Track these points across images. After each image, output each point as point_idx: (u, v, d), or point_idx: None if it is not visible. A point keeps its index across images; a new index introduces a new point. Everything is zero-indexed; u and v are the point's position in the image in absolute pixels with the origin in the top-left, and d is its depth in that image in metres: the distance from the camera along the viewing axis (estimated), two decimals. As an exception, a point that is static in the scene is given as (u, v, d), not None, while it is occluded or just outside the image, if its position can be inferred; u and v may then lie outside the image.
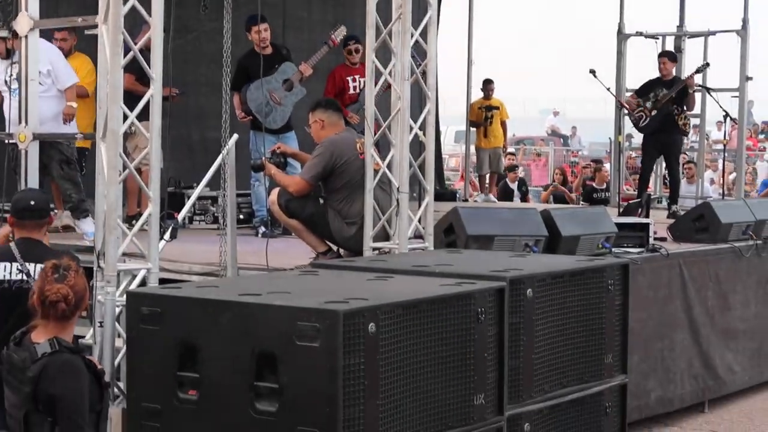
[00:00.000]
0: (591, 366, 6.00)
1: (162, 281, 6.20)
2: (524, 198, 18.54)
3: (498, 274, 5.50)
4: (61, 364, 4.58)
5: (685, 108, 12.82)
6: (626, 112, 13.98)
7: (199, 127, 12.68)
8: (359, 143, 7.75)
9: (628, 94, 14.70)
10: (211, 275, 7.42)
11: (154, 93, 6.08)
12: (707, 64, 13.67)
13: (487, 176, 16.46)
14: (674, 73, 13.20)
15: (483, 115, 16.15)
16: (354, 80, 10.98)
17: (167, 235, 7.00)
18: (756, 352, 9.81)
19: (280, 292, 4.79)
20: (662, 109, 12.77)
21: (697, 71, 13.52)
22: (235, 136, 7.39)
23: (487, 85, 16.42)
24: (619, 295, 6.23)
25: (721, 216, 9.59)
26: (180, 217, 8.17)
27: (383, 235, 7.52)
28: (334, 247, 7.98)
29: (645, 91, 13.12)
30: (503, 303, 5.25)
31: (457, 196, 16.08)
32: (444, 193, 14.82)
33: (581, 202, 16.92)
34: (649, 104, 12.99)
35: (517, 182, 18.53)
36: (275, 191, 8.02)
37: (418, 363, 4.75)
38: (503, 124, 16.46)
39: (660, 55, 13.31)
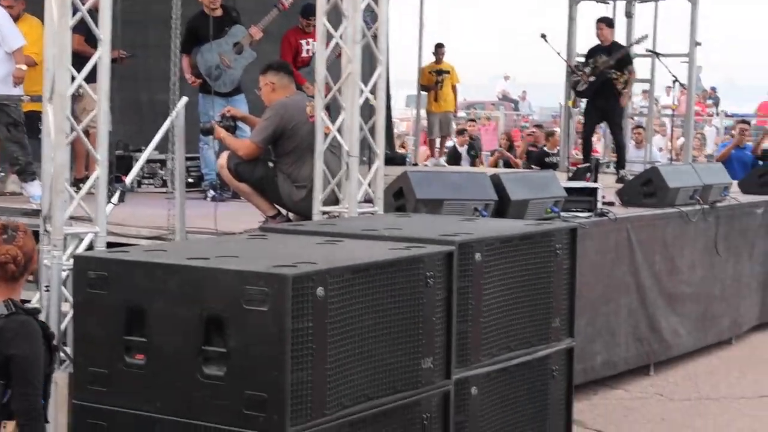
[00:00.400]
0: (538, 329, 6.04)
1: (110, 245, 6.16)
2: (474, 162, 18.58)
3: (447, 238, 5.50)
4: (18, 325, 4.54)
5: (626, 73, 12.88)
6: (575, 76, 14.03)
7: (148, 90, 12.58)
8: (310, 106, 7.72)
9: (579, 59, 14.77)
10: (159, 239, 7.37)
11: (102, 55, 6.02)
12: (645, 36, 13.70)
13: (438, 140, 16.47)
14: (612, 39, 13.23)
15: (434, 79, 16.15)
16: (308, 43, 10.92)
17: (115, 199, 6.96)
18: (701, 316, 9.92)
19: (228, 256, 4.77)
20: (600, 75, 12.84)
21: (637, 42, 13.58)
22: (185, 98, 7.33)
23: (438, 48, 16.41)
24: (566, 259, 6.26)
25: (669, 181, 9.67)
26: (128, 180, 8.14)
27: (333, 199, 7.51)
28: (284, 211, 7.97)
29: (588, 57, 13.21)
30: (452, 267, 5.26)
31: (407, 160, 16.10)
32: (394, 157, 14.83)
33: (532, 167, 16.99)
34: (587, 70, 13.06)
35: (466, 146, 18.56)
36: (224, 154, 7.99)
37: (366, 327, 4.75)
38: (454, 89, 16.46)
39: (597, 21, 13.36)
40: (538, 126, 19.23)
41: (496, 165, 17.83)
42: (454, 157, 17.97)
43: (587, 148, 13.54)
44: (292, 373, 4.33)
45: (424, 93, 16.40)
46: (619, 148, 13.42)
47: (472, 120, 20.97)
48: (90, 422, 4.77)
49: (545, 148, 17.46)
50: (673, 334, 9.46)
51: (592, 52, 13.16)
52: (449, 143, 18.11)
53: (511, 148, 18.94)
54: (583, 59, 13.81)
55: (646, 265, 9.11)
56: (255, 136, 7.86)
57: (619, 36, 14.90)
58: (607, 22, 13.34)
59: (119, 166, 9.45)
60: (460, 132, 18.57)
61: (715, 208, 10.16)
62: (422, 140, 17.25)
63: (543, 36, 13.53)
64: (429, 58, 16.42)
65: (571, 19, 15.19)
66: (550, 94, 29.67)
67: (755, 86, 31.93)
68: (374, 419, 4.79)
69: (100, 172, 6.02)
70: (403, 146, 19.10)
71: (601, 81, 12.82)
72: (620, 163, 13.10)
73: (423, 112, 16.57)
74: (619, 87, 12.90)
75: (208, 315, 4.48)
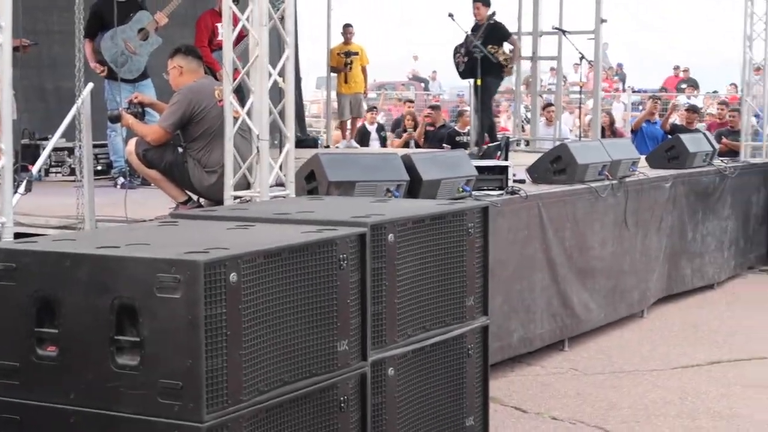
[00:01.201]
0: (453, 309, 6.07)
1: (17, 236, 6.06)
2: (384, 143, 18.61)
3: (359, 219, 5.50)
4: None
5: (504, 46, 13.04)
6: (483, 54, 14.09)
7: (52, 77, 12.39)
8: (218, 90, 7.66)
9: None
10: (68, 228, 7.28)
11: (4, 42, 5.90)
12: (494, 14, 13.67)
13: (349, 122, 16.46)
14: (486, 17, 13.37)
15: (343, 60, 16.13)
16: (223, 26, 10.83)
17: (22, 188, 6.84)
18: (611, 290, 10.06)
19: (139, 244, 4.71)
20: (471, 55, 12.97)
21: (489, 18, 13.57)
22: (90, 85, 7.23)
23: (347, 29, 16.39)
24: (479, 238, 6.29)
25: (578, 157, 9.77)
26: (35, 169, 8.00)
27: (244, 184, 7.47)
28: (195, 197, 7.91)
29: (467, 37, 13.34)
30: (365, 248, 5.25)
31: (319, 142, 16.08)
32: (305, 140, 14.81)
33: (444, 145, 17.08)
34: (462, 50, 13.19)
35: (375, 125, 18.57)
36: (132, 141, 7.90)
37: (281, 311, 4.73)
38: (364, 70, 16.46)
39: (474, 1, 13.48)
40: (434, 107, 19.36)
41: (405, 145, 17.89)
42: (362, 136, 17.97)
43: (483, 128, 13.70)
44: (206, 360, 4.30)
45: (334, 74, 16.38)
46: (482, 127, 13.54)
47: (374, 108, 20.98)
48: (3, 417, 4.68)
49: (456, 128, 17.56)
50: (585, 309, 9.58)
51: (472, 32, 13.31)
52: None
53: (416, 128, 19.01)
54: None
55: (557, 242, 9.21)
56: (163, 121, 7.78)
57: (527, 16, 15.06)
58: (483, 1, 13.47)
59: (26, 155, 9.28)
60: (370, 108, 18.56)
61: (624, 183, 10.29)
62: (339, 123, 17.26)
63: (450, 15, 13.59)
64: (338, 39, 16.40)
65: (478, -2, 15.25)
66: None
67: (660, 62, 32.42)
68: (291, 404, 4.78)
69: (4, 162, 5.93)
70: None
71: (473, 60, 12.93)
72: (492, 137, 13.20)
73: (333, 94, 16.55)
74: (501, 60, 13.03)
75: (120, 304, 4.42)
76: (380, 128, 18.78)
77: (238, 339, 4.44)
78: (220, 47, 10.69)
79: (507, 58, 13.29)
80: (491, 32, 13.25)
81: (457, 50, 13.44)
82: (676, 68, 28.71)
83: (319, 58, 16.60)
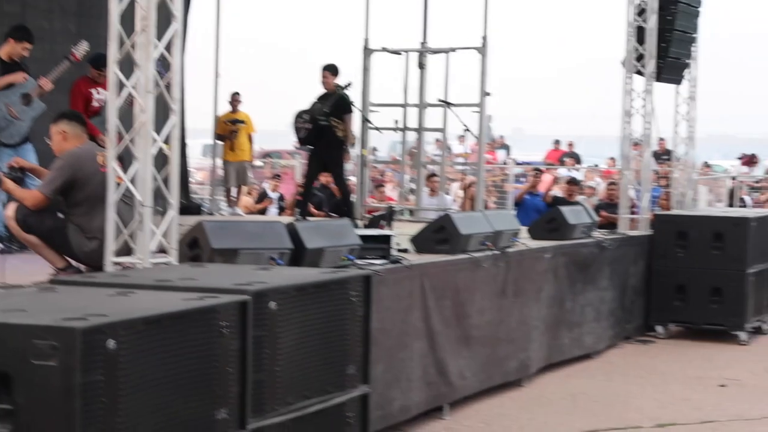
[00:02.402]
0: (333, 377, 6.10)
1: None
2: (282, 211, 18.66)
3: (241, 287, 5.51)
4: None
5: (345, 120, 13.21)
6: (370, 125, 14.29)
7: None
8: (101, 156, 7.62)
9: (374, 109, 15.05)
10: (-56, 293, 7.12)
11: None
12: (350, 83, 13.85)
13: (234, 189, 16.45)
14: (334, 86, 13.54)
15: (229, 128, 16.16)
16: (98, 92, 10.80)
17: None
18: (488, 358, 10.15)
19: (15, 310, 4.66)
20: (314, 122, 13.13)
21: (343, 88, 13.70)
22: (-30, 149, 7.14)
23: (234, 97, 16.45)
24: (361, 306, 6.35)
25: (461, 227, 9.90)
26: None
27: (126, 250, 7.41)
28: (75, 263, 7.82)
29: (314, 104, 13.48)
30: (246, 316, 5.27)
31: (203, 209, 16.03)
32: (190, 207, 14.74)
33: (329, 214, 17.17)
34: (306, 116, 13.33)
35: (278, 194, 18.63)
36: (12, 205, 7.80)
37: (159, 379, 4.71)
38: (250, 138, 16.51)
39: (323, 69, 13.65)
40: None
41: (293, 214, 17.94)
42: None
43: (305, 195, 13.81)
44: (82, 428, 4.25)
45: (220, 142, 16.38)
46: (343, 195, 13.67)
47: (277, 176, 21.04)
48: None
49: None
50: (459, 377, 9.64)
51: (318, 100, 13.48)
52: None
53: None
54: (377, 109, 14.08)
55: (438, 310, 9.28)
56: (44, 186, 7.71)
57: (413, 86, 15.28)
58: (331, 70, 13.64)
59: None
60: (274, 177, 18.62)
61: (506, 253, 10.45)
62: (247, 191, 17.24)
63: (348, 85, 13.69)
64: (225, 107, 16.43)
65: (365, 69, 15.47)
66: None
67: (541, 136, 33.08)
68: (168, 472, 4.74)
69: None
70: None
71: (318, 128, 13.08)
72: (348, 210, 13.34)
73: (219, 161, 16.54)
74: (339, 134, 13.19)
75: (-7, 371, 4.35)
76: (281, 197, 18.85)
77: (114, 407, 4.41)
78: (96, 113, 10.67)
79: (345, 135, 13.43)
80: (337, 103, 13.42)
81: (300, 115, 13.51)
82: (557, 143, 29.33)
83: (206, 125, 16.61)
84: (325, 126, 13.10)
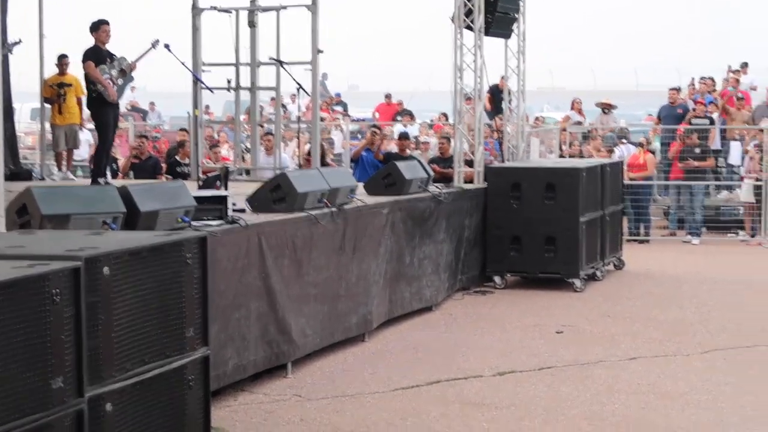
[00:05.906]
0: (172, 340, 6.02)
1: None
2: (116, 175, 18.30)
3: (73, 253, 5.38)
4: None
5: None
6: (202, 86, 14.12)
7: None
8: None
9: (206, 69, 14.88)
10: None
11: None
12: (157, 41, 13.79)
13: (64, 153, 16.06)
14: None
15: (56, 91, 15.76)
16: None
17: None
18: (329, 315, 10.18)
19: None
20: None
21: (147, 51, 13.66)
22: None
23: (62, 60, 16.03)
24: (197, 268, 6.27)
25: (297, 185, 9.88)
26: None
27: (-49, 219, 7.17)
28: None
29: None
30: (79, 283, 5.15)
31: (34, 174, 15.63)
32: (19, 173, 14.35)
33: (165, 177, 16.94)
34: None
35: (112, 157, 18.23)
36: None
37: (-9, 350, 4.58)
38: (79, 101, 16.11)
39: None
40: (143, 136, 19.32)
41: (126, 176, 17.64)
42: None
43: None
44: None
45: (48, 105, 15.97)
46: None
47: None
48: None
49: (177, 158, 17.44)
50: (301, 335, 9.65)
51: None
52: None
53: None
54: (209, 69, 13.89)
55: (276, 269, 9.25)
56: None
57: (244, 45, 15.13)
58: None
59: None
60: None
61: (343, 210, 10.48)
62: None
63: (167, 46, 13.49)
64: (52, 70, 16.00)
65: (195, 28, 15.26)
66: (178, 104, 29.63)
67: (377, 92, 33.23)
68: (3, 446, 4.63)
69: None
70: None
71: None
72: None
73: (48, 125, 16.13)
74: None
75: None
76: (113, 159, 18.45)
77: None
78: None
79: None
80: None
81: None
82: (388, 96, 29.47)
83: (34, 89, 16.14)
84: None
